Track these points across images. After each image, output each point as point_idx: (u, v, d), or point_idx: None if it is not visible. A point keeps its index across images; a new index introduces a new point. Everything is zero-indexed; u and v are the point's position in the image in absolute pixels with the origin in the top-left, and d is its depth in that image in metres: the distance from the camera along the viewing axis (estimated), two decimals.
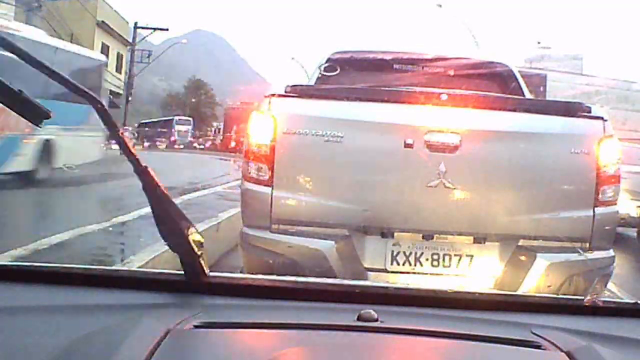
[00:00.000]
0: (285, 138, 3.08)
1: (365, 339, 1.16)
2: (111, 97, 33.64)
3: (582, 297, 1.43)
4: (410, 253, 3.08)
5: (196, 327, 1.14)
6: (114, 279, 1.42)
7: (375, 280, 1.43)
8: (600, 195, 3.12)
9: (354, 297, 1.35)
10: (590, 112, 3.18)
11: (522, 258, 3.06)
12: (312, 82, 4.38)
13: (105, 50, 32.69)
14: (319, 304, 1.34)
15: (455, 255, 3.09)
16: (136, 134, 56.94)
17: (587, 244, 3.11)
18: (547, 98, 55.17)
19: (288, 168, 3.11)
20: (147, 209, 1.28)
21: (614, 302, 1.45)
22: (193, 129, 59.33)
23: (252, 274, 3.21)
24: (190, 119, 61.34)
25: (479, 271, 3.08)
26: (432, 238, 3.09)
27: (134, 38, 35.21)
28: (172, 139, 53.02)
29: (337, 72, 4.38)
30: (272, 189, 3.09)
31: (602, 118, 3.19)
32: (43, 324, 1.17)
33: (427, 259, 3.08)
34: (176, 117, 61.18)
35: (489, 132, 3.09)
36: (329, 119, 3.10)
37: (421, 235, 3.09)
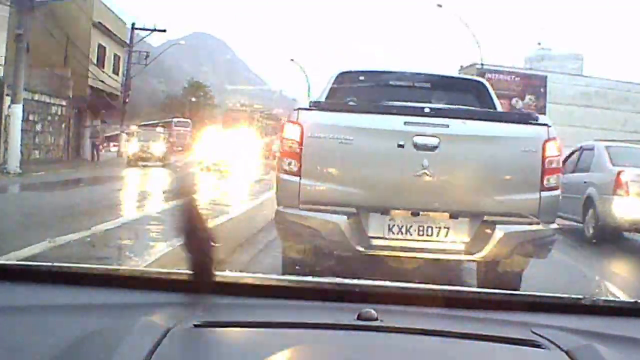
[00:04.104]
0: (310, 141, 4.04)
1: (366, 338, 1.17)
2: (108, 99, 32.93)
3: (582, 297, 1.44)
4: (403, 225, 4.06)
5: (196, 326, 1.15)
6: (114, 278, 1.43)
7: (375, 278, 1.47)
8: (545, 183, 4.04)
9: (354, 296, 1.36)
10: (537, 120, 4.20)
11: (486, 229, 4.00)
12: (323, 96, 5.39)
13: (101, 51, 32.32)
14: (319, 303, 1.35)
15: (436, 227, 4.05)
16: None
17: (535, 219, 4.04)
18: (548, 99, 54.77)
19: (312, 163, 4.06)
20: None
21: (614, 302, 1.48)
22: (191, 131, 58.91)
23: (286, 242, 4.46)
24: (189, 120, 61.62)
25: (453, 238, 4.05)
26: (419, 214, 4.05)
27: (131, 39, 34.82)
28: (171, 140, 51.64)
29: (344, 88, 5.44)
30: (300, 178, 4.06)
31: (547, 125, 4.12)
32: (43, 323, 1.17)
33: (415, 230, 4.06)
34: (175, 119, 61.73)
35: (461, 136, 4.03)
36: (342, 127, 4.05)
37: (410, 212, 4.06)
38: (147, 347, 1.01)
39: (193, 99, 72.86)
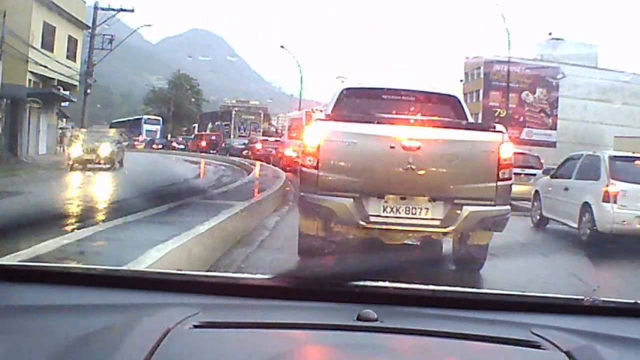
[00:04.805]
0: (325, 143, 5.51)
1: (365, 339, 1.22)
2: (60, 87, 28.09)
3: (582, 297, 1.48)
4: (394, 207, 5.54)
5: (196, 326, 1.19)
6: (114, 279, 1.48)
7: (375, 279, 1.51)
8: (500, 175, 5.50)
9: (354, 297, 1.40)
10: (495, 128, 5.82)
11: (456, 209, 5.49)
12: (330, 108, 7.00)
13: (50, 31, 27.25)
14: (319, 303, 1.39)
15: (418, 208, 5.54)
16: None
17: (493, 202, 5.53)
18: (560, 93, 53.13)
19: (327, 159, 5.51)
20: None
21: (613, 302, 1.50)
22: (162, 128, 59.75)
23: (307, 219, 5.92)
24: (159, 118, 61.48)
25: (432, 216, 5.52)
26: (406, 198, 5.54)
27: (94, 21, 30.58)
28: (141, 137, 53.61)
29: (348, 101, 7.12)
30: (318, 170, 5.50)
31: (502, 132, 5.68)
32: (43, 323, 1.22)
33: (403, 210, 5.53)
34: (145, 116, 61.80)
35: (437, 140, 5.48)
36: (349, 132, 5.51)
37: (400, 197, 5.53)
38: (147, 348, 1.05)
39: (191, 97, 70.91)
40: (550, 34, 57.76)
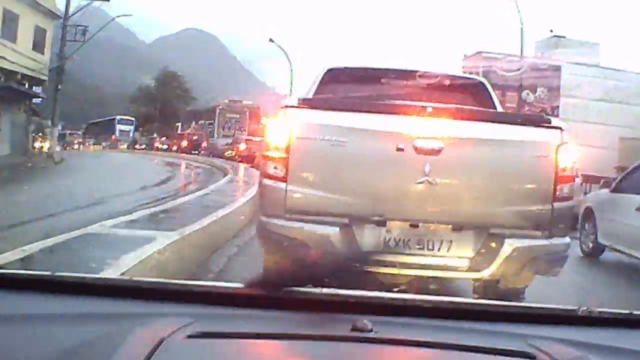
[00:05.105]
0: (299, 142, 3.79)
1: (359, 350, 1.22)
2: (25, 82, 26.21)
3: (578, 308, 1.47)
4: (400, 239, 3.81)
5: (189, 336, 1.18)
6: (108, 287, 1.47)
7: (369, 288, 1.48)
8: (558, 192, 3.84)
9: (348, 307, 1.40)
10: (550, 122, 3.99)
11: (493, 243, 3.77)
12: (311, 92, 5.24)
13: (12, 19, 24.88)
14: (313, 314, 1.39)
15: (437, 240, 3.81)
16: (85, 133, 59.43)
17: (547, 232, 3.85)
18: (562, 92, 50.94)
19: (300, 167, 3.81)
20: None
21: (610, 313, 1.49)
22: (135, 129, 61.39)
23: (270, 255, 4.17)
24: (132, 119, 62.92)
25: (457, 253, 3.81)
26: (418, 226, 3.83)
27: (66, 10, 28.56)
28: (114, 137, 55.29)
29: (334, 84, 5.31)
30: (287, 184, 3.78)
31: (560, 128, 3.93)
32: (37, 332, 1.21)
33: (414, 244, 3.81)
34: (118, 117, 63.15)
35: (467, 139, 3.80)
36: (335, 127, 3.79)
37: (409, 223, 3.82)
38: (140, 357, 1.04)
39: (180, 94, 69.71)
40: (551, 31, 55.80)
